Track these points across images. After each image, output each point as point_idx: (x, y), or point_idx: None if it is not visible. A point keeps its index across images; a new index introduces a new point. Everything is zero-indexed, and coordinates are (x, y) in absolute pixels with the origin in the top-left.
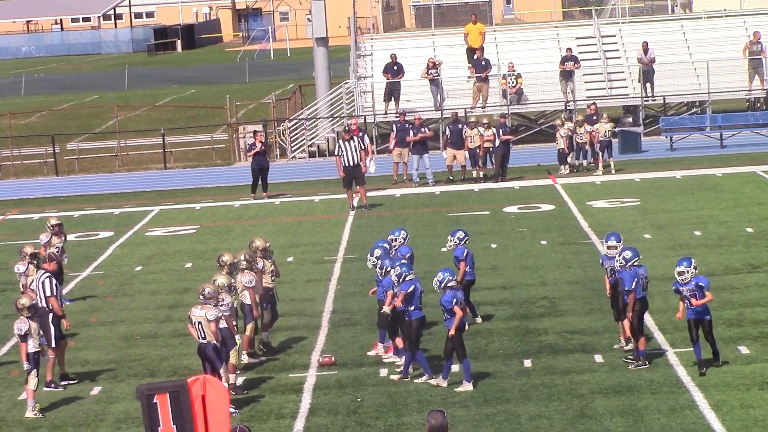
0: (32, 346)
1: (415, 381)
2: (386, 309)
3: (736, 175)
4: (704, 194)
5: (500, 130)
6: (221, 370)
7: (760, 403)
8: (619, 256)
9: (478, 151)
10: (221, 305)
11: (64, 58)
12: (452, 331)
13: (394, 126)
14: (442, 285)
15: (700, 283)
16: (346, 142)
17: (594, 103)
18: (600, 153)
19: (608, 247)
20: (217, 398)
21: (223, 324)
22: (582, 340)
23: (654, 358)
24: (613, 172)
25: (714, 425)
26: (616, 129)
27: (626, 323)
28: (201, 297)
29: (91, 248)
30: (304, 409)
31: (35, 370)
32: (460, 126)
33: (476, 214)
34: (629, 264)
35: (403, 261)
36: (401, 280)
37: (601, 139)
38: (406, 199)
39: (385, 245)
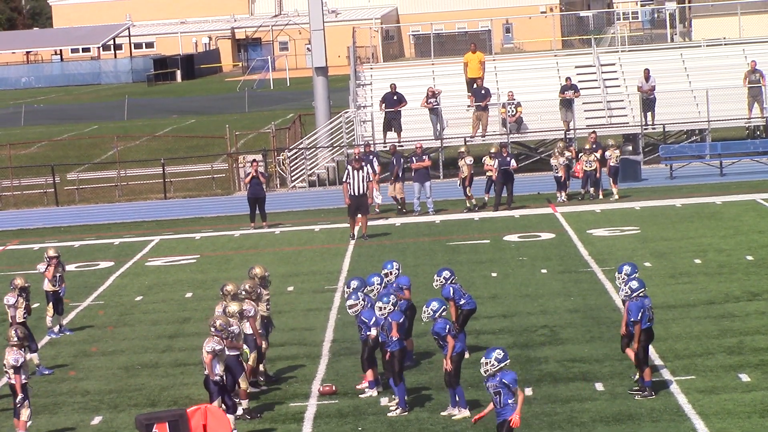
0: (24, 377)
1: (388, 414)
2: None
3: (736, 203)
4: (704, 222)
5: (497, 161)
6: (215, 402)
7: (761, 431)
8: (624, 286)
9: (465, 181)
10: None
11: (64, 89)
12: (447, 364)
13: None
14: (436, 315)
15: (504, 380)
16: (356, 171)
17: (594, 132)
18: (610, 179)
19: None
20: (219, 427)
21: (230, 351)
22: (583, 368)
23: (655, 386)
24: (617, 197)
25: None
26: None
27: (630, 352)
28: (212, 329)
29: (91, 278)
30: None
31: (27, 400)
32: (402, 159)
33: (476, 242)
34: (635, 294)
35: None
36: (396, 308)
37: (611, 165)
38: (407, 228)
39: (376, 278)
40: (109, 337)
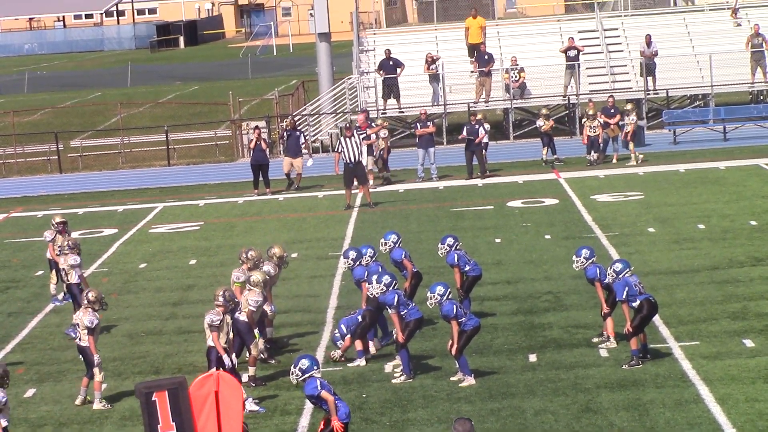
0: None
1: (392, 381)
2: (399, 336)
3: (740, 168)
4: (708, 187)
5: (479, 128)
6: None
7: (766, 397)
8: (609, 269)
9: (384, 153)
10: (252, 299)
11: (67, 56)
12: (454, 346)
13: (285, 133)
14: (443, 300)
15: (306, 394)
16: (347, 139)
17: (611, 96)
18: (631, 143)
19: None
20: (230, 394)
21: (242, 317)
22: (587, 334)
23: (659, 352)
24: (639, 161)
25: (719, 419)
26: (619, 123)
27: (608, 321)
28: (220, 299)
29: (95, 245)
30: (309, 406)
31: (101, 362)
32: (297, 134)
33: (480, 208)
34: (620, 275)
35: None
36: (390, 288)
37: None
38: (410, 194)
39: (369, 250)
40: (113, 305)
